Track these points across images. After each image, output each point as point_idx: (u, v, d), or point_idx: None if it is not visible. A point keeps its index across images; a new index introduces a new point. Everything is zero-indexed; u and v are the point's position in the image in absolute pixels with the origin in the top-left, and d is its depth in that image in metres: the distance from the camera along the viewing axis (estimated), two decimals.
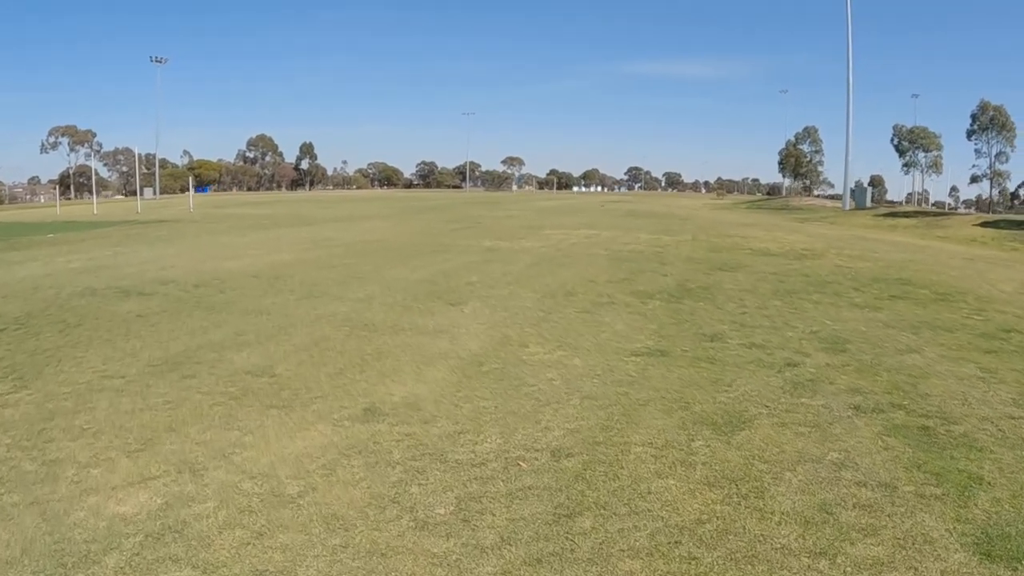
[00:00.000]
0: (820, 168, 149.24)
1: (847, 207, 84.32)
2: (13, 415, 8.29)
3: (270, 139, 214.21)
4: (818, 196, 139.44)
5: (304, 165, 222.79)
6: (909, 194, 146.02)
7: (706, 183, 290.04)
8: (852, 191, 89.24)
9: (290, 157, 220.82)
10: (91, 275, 20.51)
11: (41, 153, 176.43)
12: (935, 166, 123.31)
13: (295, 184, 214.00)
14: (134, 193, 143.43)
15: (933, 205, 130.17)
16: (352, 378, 9.59)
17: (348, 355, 10.73)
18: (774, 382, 9.35)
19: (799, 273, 20.43)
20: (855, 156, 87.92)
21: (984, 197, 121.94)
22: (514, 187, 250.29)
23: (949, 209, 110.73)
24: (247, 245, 29.98)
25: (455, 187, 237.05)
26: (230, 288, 17.33)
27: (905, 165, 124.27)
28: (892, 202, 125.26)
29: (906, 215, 68.71)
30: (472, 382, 9.39)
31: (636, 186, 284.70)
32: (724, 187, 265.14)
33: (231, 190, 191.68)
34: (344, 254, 25.23)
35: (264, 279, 18.91)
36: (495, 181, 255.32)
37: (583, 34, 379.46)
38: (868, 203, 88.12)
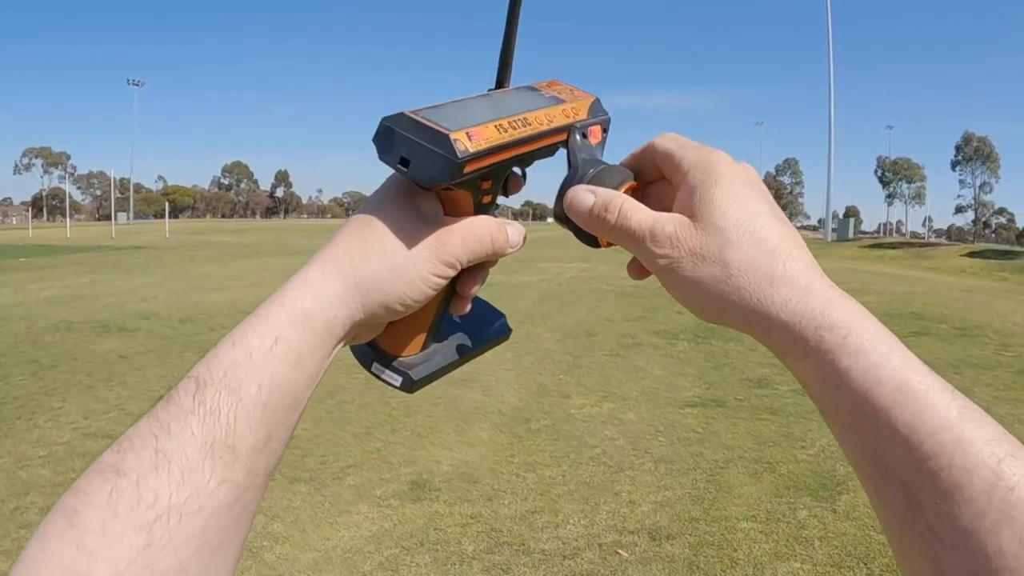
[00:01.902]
0: (801, 200, 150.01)
1: (829, 239, 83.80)
2: None
3: (245, 166, 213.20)
4: (799, 228, 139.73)
5: (279, 193, 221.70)
6: (880, 224, 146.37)
7: None
8: (835, 222, 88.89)
9: (265, 185, 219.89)
10: (66, 306, 18.99)
11: (14, 174, 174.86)
12: (918, 197, 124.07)
13: (270, 212, 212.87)
14: (107, 217, 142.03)
15: (905, 235, 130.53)
16: (385, 440, 8.25)
17: (372, 410, 9.39)
18: None
19: None
20: (833, 187, 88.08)
21: (964, 227, 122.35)
22: None
23: (922, 239, 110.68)
24: (231, 275, 28.59)
25: None
26: (220, 325, 15.84)
27: (889, 196, 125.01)
28: (865, 233, 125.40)
29: (891, 246, 68.26)
30: (526, 444, 8.27)
31: None
32: None
33: (205, 217, 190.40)
34: None
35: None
36: None
37: (555, 70, 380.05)
38: (850, 234, 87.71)
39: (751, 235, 0.69)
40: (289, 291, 0.73)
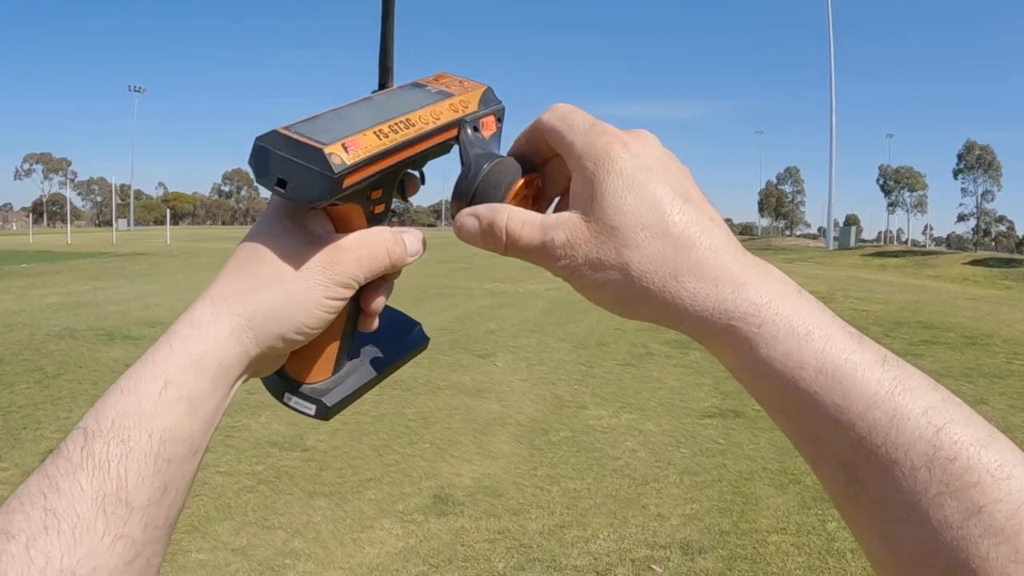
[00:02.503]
0: (802, 208, 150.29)
1: (831, 247, 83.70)
2: None
3: (246, 173, 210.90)
4: (799, 236, 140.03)
5: None
6: (880, 232, 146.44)
7: None
8: (836, 231, 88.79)
9: (265, 192, 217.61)
10: (69, 313, 18.76)
11: (15, 180, 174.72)
12: (920, 205, 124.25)
13: None
14: (107, 223, 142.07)
15: (905, 243, 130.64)
16: (403, 452, 8.02)
17: (388, 422, 9.16)
18: None
19: None
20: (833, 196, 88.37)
21: (963, 235, 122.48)
22: None
23: (923, 247, 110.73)
24: None
25: (430, 226, 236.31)
26: None
27: (891, 204, 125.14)
28: (865, 241, 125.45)
29: (894, 254, 68.27)
30: (547, 456, 8.07)
31: None
32: None
33: (205, 223, 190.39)
34: None
35: None
36: None
37: (553, 79, 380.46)
38: (852, 243, 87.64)
39: (650, 229, 0.65)
40: (177, 333, 0.70)
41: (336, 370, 0.83)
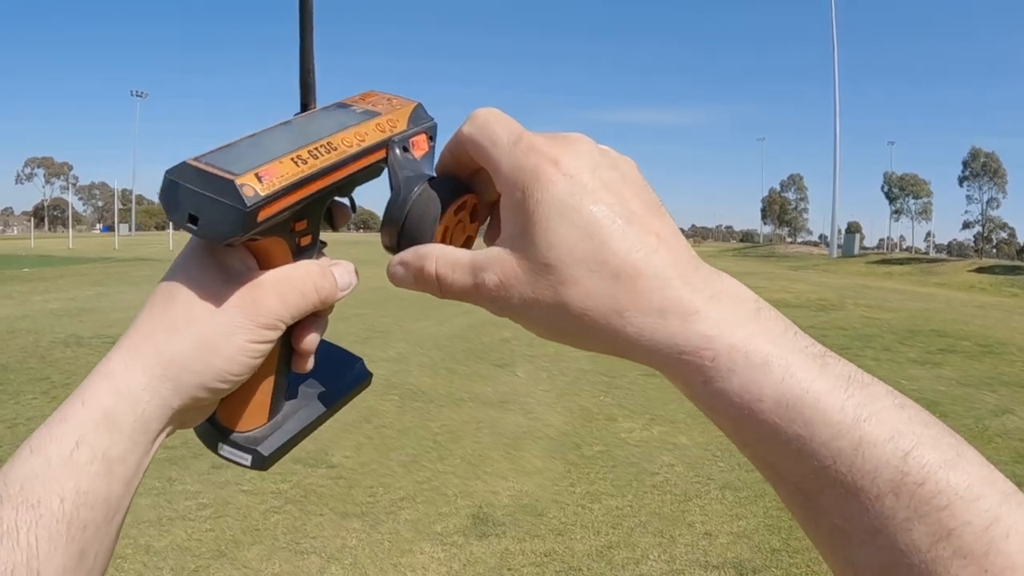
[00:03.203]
0: (805, 215, 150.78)
1: (834, 254, 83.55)
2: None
3: None
4: (802, 243, 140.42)
5: None
6: (881, 240, 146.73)
7: (680, 230, 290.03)
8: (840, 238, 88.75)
9: None
10: (74, 319, 18.47)
11: (16, 184, 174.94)
12: (925, 212, 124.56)
13: None
14: (109, 228, 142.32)
15: (907, 250, 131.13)
16: (434, 469, 7.69)
17: (414, 436, 8.85)
18: None
19: (834, 326, 19.54)
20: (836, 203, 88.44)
21: (964, 242, 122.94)
22: None
23: (926, 254, 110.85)
24: None
25: None
26: None
27: (895, 212, 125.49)
28: (867, 248, 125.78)
29: (899, 262, 68.10)
30: (583, 472, 7.78)
31: None
32: (699, 235, 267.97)
33: None
34: (352, 303, 22.93)
35: None
36: None
37: (556, 83, 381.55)
38: (856, 250, 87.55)
39: (588, 263, 0.60)
40: (89, 387, 0.65)
41: (272, 415, 0.78)
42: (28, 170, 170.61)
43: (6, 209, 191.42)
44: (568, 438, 8.88)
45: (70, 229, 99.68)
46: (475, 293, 0.64)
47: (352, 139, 0.73)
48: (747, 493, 7.18)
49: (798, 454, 0.54)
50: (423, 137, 0.79)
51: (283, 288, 0.69)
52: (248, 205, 0.61)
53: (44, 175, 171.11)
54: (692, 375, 0.57)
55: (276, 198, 0.64)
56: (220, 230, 0.63)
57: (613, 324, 0.59)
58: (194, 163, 0.64)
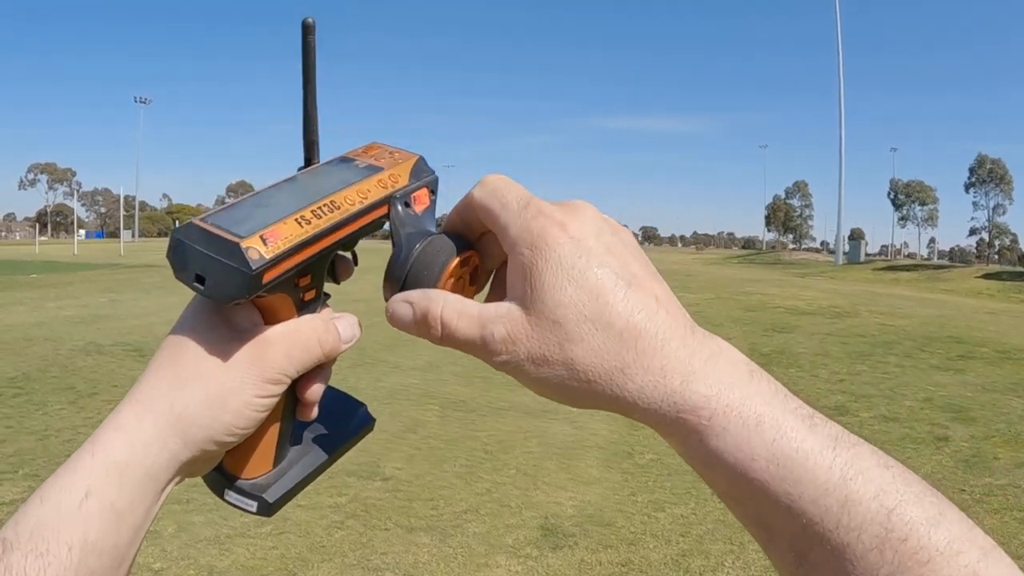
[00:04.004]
0: (810, 222, 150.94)
1: (840, 261, 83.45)
2: None
3: (251, 186, 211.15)
4: (805, 250, 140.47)
5: None
6: (883, 246, 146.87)
7: (682, 237, 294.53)
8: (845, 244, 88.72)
9: None
10: (91, 327, 18.30)
11: (19, 189, 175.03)
12: (931, 219, 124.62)
13: None
14: (111, 234, 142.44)
15: (910, 256, 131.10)
16: (492, 480, 7.53)
17: (463, 446, 8.68)
18: (943, 461, 8.69)
19: (852, 333, 19.43)
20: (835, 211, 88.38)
21: (966, 248, 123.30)
22: None
23: (930, 261, 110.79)
24: None
25: None
26: None
27: (901, 219, 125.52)
28: (871, 255, 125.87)
29: (905, 268, 68.26)
30: (640, 480, 7.74)
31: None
32: (701, 242, 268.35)
33: None
34: (369, 311, 22.47)
35: None
36: None
37: (559, 91, 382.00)
38: (861, 257, 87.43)
39: (594, 322, 0.61)
40: (100, 438, 0.66)
41: (277, 462, 0.77)
42: (31, 176, 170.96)
43: (8, 215, 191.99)
44: (618, 447, 8.75)
45: (75, 235, 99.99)
46: (479, 345, 0.63)
47: (355, 197, 0.73)
48: None
49: (788, 511, 0.55)
50: (425, 191, 0.79)
51: (288, 344, 0.70)
52: (253, 268, 0.61)
53: (47, 181, 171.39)
54: (688, 433, 0.59)
55: (280, 260, 0.64)
56: (226, 291, 0.63)
57: (616, 381, 0.60)
58: (200, 224, 0.64)
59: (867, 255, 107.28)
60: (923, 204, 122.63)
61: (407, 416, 9.85)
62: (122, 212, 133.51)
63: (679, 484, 7.49)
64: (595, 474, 7.79)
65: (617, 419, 9.60)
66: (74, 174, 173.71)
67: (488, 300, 0.72)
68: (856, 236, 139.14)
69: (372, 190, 0.75)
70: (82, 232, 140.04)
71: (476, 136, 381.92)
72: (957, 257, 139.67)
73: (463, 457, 8.23)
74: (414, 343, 16.18)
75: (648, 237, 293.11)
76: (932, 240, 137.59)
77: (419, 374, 12.80)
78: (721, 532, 6.38)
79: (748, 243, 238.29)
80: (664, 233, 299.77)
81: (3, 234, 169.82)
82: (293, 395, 0.75)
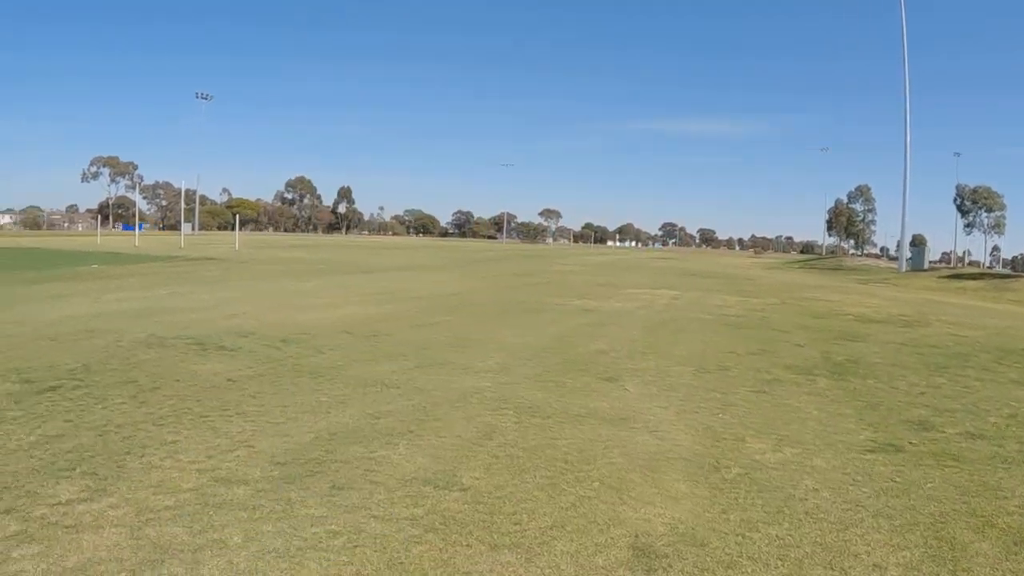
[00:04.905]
0: (873, 227, 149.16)
1: (903, 268, 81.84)
2: (96, 549, 5.66)
3: (309, 181, 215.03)
4: (867, 255, 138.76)
5: (341, 209, 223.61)
6: (944, 253, 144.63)
7: (740, 240, 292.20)
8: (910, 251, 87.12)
9: (328, 200, 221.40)
10: (151, 319, 18.19)
11: (82, 182, 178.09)
12: (997, 226, 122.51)
13: (332, 227, 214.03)
14: (171, 227, 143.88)
15: (973, 264, 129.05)
16: (576, 494, 7.05)
17: (542, 455, 8.23)
18: None
19: (925, 343, 18.90)
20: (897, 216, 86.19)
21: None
22: (549, 240, 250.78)
23: (991, 269, 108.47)
24: (314, 292, 28.01)
25: (490, 237, 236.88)
26: (327, 347, 14.91)
27: (967, 225, 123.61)
28: (933, 263, 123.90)
29: (971, 277, 66.79)
30: (730, 497, 7.25)
31: (671, 242, 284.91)
32: (759, 245, 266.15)
33: (267, 230, 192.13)
34: (430, 309, 23.08)
35: (359, 336, 16.56)
36: (530, 233, 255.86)
37: (617, 93, 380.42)
38: (925, 264, 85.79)
39: None
40: None
41: None
42: (94, 168, 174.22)
43: (71, 206, 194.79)
44: (703, 460, 8.30)
45: (136, 227, 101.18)
46: None
47: None
48: (900, 521, 6.75)
49: None
50: None
51: None
52: None
53: (109, 174, 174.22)
54: None
55: None
56: None
57: None
58: None
59: (930, 262, 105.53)
60: (990, 211, 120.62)
61: (482, 421, 9.47)
62: (183, 205, 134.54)
63: (770, 501, 7.08)
64: (683, 489, 7.35)
65: (699, 429, 9.38)
66: (136, 167, 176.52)
67: None
68: (918, 242, 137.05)
69: None
70: (119, 225, 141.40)
71: (531, 136, 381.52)
72: (1020, 266, 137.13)
73: (544, 467, 7.80)
74: (481, 343, 15.86)
75: (706, 240, 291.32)
76: (995, 248, 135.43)
77: (491, 376, 12.42)
78: (820, 556, 5.96)
79: (807, 247, 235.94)
80: (722, 236, 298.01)
81: (66, 225, 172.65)
82: None
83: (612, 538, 6.08)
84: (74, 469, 7.29)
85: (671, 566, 5.62)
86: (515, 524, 6.26)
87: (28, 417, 9.11)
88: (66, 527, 6.02)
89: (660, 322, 21.47)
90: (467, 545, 5.80)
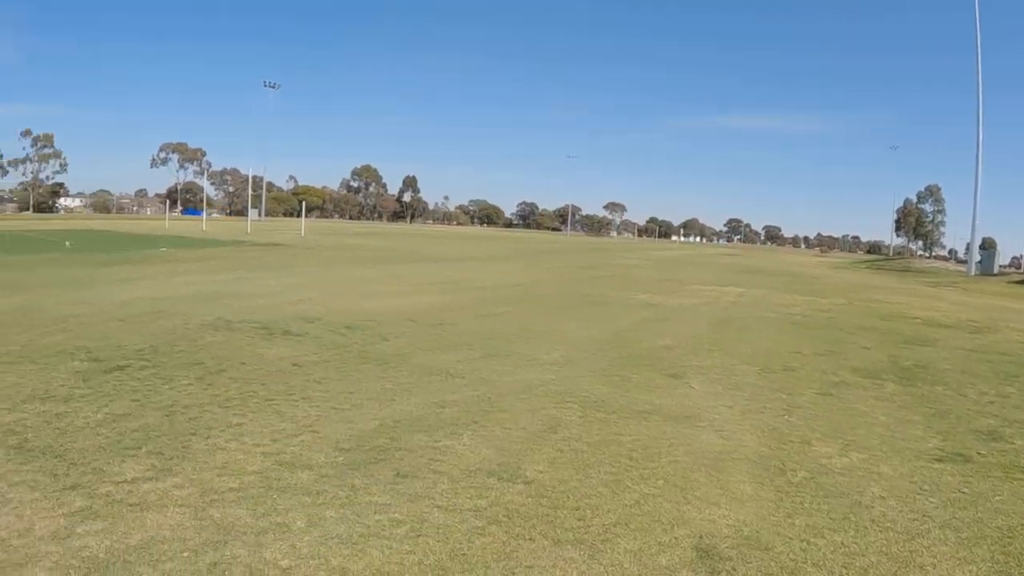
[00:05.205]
0: (942, 228, 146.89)
1: (973, 272, 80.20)
2: (159, 528, 5.74)
3: (374, 170, 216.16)
4: (935, 257, 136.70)
5: (406, 198, 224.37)
6: (1014, 258, 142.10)
7: (805, 238, 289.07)
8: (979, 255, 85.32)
9: (393, 189, 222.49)
10: (218, 303, 18.41)
11: (151, 167, 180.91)
12: None
13: (396, 216, 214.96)
14: (238, 213, 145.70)
15: None
16: (640, 491, 6.96)
17: (607, 451, 8.13)
18: None
19: (995, 351, 18.32)
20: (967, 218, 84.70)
21: None
22: (613, 233, 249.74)
23: None
24: (378, 280, 28.20)
25: (554, 229, 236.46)
26: (392, 334, 14.99)
27: None
28: (1003, 267, 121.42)
29: None
30: (796, 501, 7.08)
31: (735, 238, 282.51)
32: (825, 244, 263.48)
33: (332, 217, 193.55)
34: (495, 299, 23.13)
35: (423, 325, 16.63)
36: (594, 226, 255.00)
37: (685, 87, 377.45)
38: (995, 269, 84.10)
39: None
40: None
41: None
42: (163, 155, 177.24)
43: (140, 191, 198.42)
44: (769, 461, 8.15)
45: (204, 212, 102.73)
46: None
47: None
48: (968, 534, 6.57)
49: None
50: None
51: None
52: None
53: (178, 160, 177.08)
54: None
55: None
56: None
57: None
58: None
59: (1000, 266, 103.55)
60: None
61: (546, 414, 9.42)
62: (250, 191, 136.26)
63: (836, 508, 6.93)
64: (748, 490, 7.22)
65: (765, 430, 9.27)
66: (204, 154, 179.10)
67: None
68: (988, 246, 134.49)
69: None
70: (178, 209, 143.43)
71: (595, 131, 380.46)
72: None
73: (608, 463, 7.71)
74: (546, 335, 15.83)
75: (771, 237, 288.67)
76: None
77: (555, 369, 12.37)
78: (885, 566, 5.81)
79: (873, 248, 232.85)
80: (787, 233, 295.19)
81: (135, 209, 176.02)
82: None
83: (676, 538, 6.01)
84: (140, 448, 7.39)
85: (735, 569, 5.54)
86: (578, 520, 6.20)
87: (96, 395, 9.26)
88: (131, 505, 6.10)
89: (725, 319, 21.27)
90: (530, 539, 5.76)
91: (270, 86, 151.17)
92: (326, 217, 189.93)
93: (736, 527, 6.31)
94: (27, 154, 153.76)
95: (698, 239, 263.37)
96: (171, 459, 7.15)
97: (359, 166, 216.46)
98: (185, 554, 5.32)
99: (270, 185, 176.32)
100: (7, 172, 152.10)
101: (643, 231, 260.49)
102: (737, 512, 6.62)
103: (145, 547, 5.39)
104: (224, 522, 5.85)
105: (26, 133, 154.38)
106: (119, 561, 5.19)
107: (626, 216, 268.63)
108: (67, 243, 44.38)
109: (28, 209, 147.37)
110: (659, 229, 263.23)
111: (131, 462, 7.03)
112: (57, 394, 9.34)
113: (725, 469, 7.77)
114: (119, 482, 6.57)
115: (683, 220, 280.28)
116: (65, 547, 5.37)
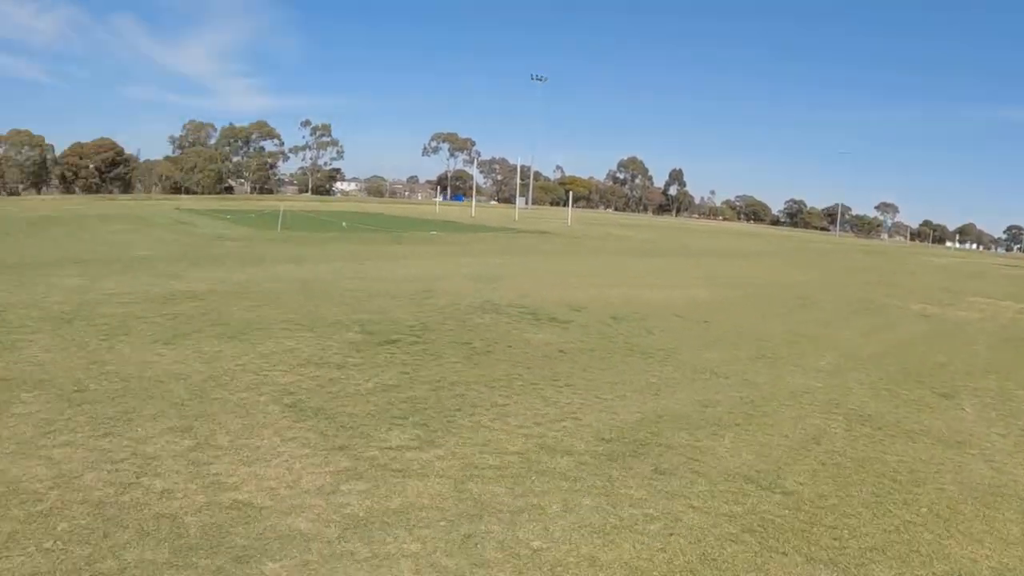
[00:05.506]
0: None
1: None
2: (419, 496, 6.06)
3: (640, 162, 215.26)
4: None
5: (672, 191, 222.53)
6: None
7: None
8: None
9: (659, 181, 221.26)
10: (487, 286, 18.94)
11: (422, 156, 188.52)
12: None
13: (662, 209, 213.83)
14: (505, 200, 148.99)
15: None
16: (902, 517, 6.60)
17: (872, 470, 7.78)
18: None
19: None
20: None
21: None
22: (884, 236, 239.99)
23: None
24: (645, 272, 28.37)
25: (822, 229, 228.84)
26: (657, 328, 15.00)
27: None
28: None
29: None
30: None
31: (1015, 247, 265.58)
32: None
33: (598, 208, 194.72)
34: (762, 299, 22.73)
35: (689, 321, 16.51)
36: (864, 227, 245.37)
37: (977, 77, 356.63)
38: None
39: None
40: None
41: None
42: (434, 144, 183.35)
43: (412, 177, 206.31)
44: None
45: (473, 199, 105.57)
46: None
47: None
48: None
49: None
50: None
51: None
52: None
53: (448, 149, 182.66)
54: None
55: None
56: None
57: None
58: None
59: None
60: None
61: (810, 424, 9.17)
62: (518, 180, 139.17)
63: None
64: (1016, 532, 6.61)
65: None
66: (473, 144, 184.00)
67: None
68: None
69: None
70: (442, 196, 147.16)
71: (875, 121, 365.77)
72: None
73: (871, 483, 7.37)
74: (815, 340, 15.41)
75: (1014, 239, 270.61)
76: None
77: (823, 377, 12.01)
78: None
79: None
80: None
81: (406, 194, 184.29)
82: None
83: (933, 572, 5.68)
84: (406, 418, 7.77)
85: None
86: (834, 539, 5.99)
87: (368, 365, 9.77)
88: (394, 471, 6.45)
89: (1004, 338, 19.76)
90: (783, 553, 5.63)
91: (537, 79, 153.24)
92: (592, 207, 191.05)
93: (999, 571, 5.87)
94: (307, 142, 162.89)
95: (974, 246, 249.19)
96: (435, 432, 7.48)
97: (625, 158, 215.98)
98: (441, 523, 5.56)
99: (537, 174, 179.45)
100: (288, 158, 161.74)
101: (915, 235, 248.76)
102: (1002, 554, 6.14)
103: (403, 511, 5.69)
104: (482, 498, 6.08)
105: (305, 123, 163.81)
106: (377, 522, 5.51)
107: (898, 218, 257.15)
108: (343, 223, 46.68)
109: (307, 191, 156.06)
110: (932, 233, 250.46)
111: (397, 431, 7.40)
112: (332, 361, 9.91)
113: (994, 504, 7.20)
114: (384, 448, 6.97)
115: (958, 225, 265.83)
116: (328, 502, 5.74)
